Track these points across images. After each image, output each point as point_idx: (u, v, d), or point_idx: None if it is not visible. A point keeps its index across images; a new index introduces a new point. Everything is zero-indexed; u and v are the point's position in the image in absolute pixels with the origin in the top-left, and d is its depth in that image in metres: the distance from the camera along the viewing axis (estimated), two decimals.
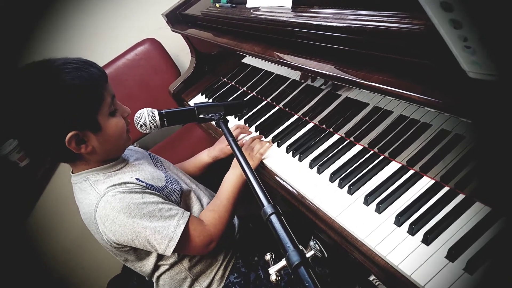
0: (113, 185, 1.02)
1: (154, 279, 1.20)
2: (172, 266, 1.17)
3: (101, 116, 1.01)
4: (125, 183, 1.04)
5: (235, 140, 1.04)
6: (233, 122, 1.55)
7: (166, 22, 1.88)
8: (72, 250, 2.24)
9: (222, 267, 1.24)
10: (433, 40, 0.58)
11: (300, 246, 0.65)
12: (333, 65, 0.95)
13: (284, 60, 1.11)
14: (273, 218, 0.72)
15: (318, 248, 0.64)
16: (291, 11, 1.11)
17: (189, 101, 1.90)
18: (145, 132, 1.14)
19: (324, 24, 0.95)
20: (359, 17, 0.87)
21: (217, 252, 1.23)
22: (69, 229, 2.20)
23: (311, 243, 0.65)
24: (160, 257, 1.14)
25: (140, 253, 1.12)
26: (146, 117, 1.12)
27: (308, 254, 0.64)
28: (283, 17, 1.11)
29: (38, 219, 2.05)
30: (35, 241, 2.07)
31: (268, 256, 0.76)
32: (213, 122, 1.18)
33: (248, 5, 1.33)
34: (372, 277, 0.89)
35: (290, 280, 1.21)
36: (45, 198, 2.08)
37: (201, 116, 1.19)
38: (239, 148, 0.99)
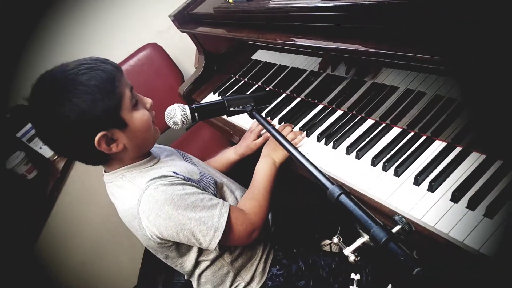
0: (153, 179, 1.00)
1: (195, 278, 1.17)
2: (213, 261, 1.14)
3: (124, 112, 0.99)
4: (164, 176, 1.02)
5: (273, 127, 1.02)
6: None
7: (172, 21, 1.84)
8: (87, 262, 2.18)
9: (262, 260, 1.21)
10: None
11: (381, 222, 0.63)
12: (373, 45, 0.94)
13: (320, 45, 1.08)
14: (343, 198, 0.70)
15: (405, 221, 0.62)
16: None
17: (201, 101, 1.87)
18: (176, 127, 1.11)
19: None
20: None
21: (255, 245, 1.21)
22: (83, 241, 2.14)
23: (396, 217, 0.63)
24: (201, 252, 1.11)
25: (182, 249, 1.09)
26: (178, 112, 1.10)
27: (394, 230, 0.62)
28: (309, 3, 1.10)
29: (50, 232, 1.99)
30: (49, 254, 2.01)
31: (336, 239, 0.73)
32: (245, 114, 1.16)
33: None
34: None
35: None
36: (57, 210, 2.02)
37: (232, 108, 1.16)
38: (280, 133, 0.97)
